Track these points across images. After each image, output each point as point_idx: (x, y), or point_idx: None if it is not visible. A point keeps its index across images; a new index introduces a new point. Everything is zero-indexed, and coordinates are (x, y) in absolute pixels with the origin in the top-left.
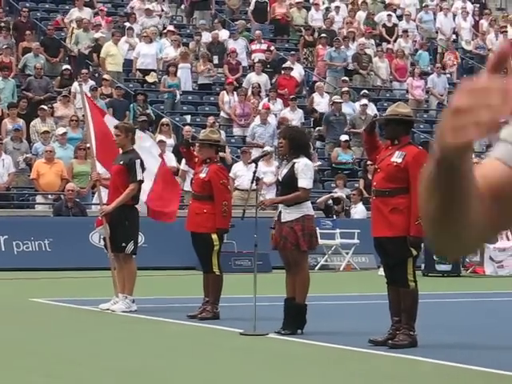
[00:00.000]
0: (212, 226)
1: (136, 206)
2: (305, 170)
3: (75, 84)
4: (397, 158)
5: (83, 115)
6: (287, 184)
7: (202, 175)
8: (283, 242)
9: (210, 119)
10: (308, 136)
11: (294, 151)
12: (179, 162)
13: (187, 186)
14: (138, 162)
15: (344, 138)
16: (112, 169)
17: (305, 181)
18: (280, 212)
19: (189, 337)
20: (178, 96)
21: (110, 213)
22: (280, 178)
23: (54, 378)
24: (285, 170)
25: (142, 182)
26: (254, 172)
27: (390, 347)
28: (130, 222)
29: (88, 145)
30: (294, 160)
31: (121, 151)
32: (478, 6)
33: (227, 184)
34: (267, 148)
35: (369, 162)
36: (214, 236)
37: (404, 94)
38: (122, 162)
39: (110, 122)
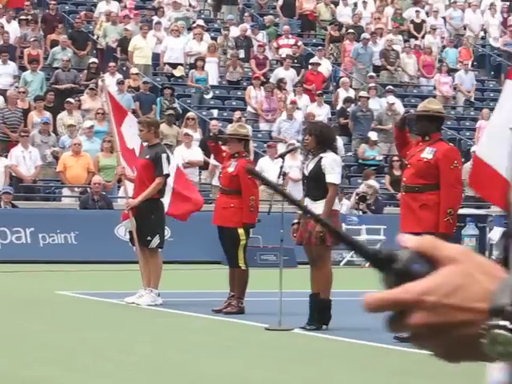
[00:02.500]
0: (239, 221)
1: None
2: (333, 164)
3: (99, 79)
4: (427, 154)
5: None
6: (314, 179)
7: (230, 169)
8: (308, 237)
9: (237, 114)
10: (334, 131)
11: (321, 146)
12: (206, 155)
13: (216, 181)
14: (164, 156)
15: (373, 136)
16: (138, 163)
17: (334, 176)
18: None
19: (213, 331)
20: (211, 94)
21: (136, 206)
22: (306, 173)
23: (77, 371)
24: (311, 165)
25: (168, 175)
26: (281, 167)
27: None
28: (155, 215)
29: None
30: (321, 155)
31: (146, 145)
32: (506, 3)
33: (255, 179)
34: (293, 142)
35: (395, 158)
36: (241, 231)
37: (431, 91)
38: (148, 157)
39: (133, 121)
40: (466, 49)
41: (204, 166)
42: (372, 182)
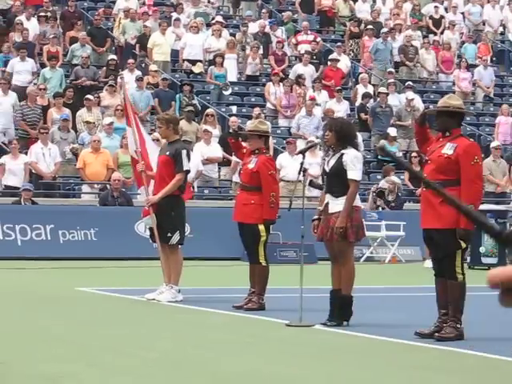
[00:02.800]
0: (259, 217)
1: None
2: (354, 161)
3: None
4: (448, 149)
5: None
6: (335, 175)
7: (251, 166)
8: (330, 233)
9: (256, 110)
10: (355, 127)
11: (342, 143)
12: (226, 152)
13: (236, 178)
14: (184, 152)
15: (392, 132)
16: (158, 160)
17: (355, 172)
18: (327, 203)
19: (234, 327)
20: (230, 91)
21: (157, 203)
22: (327, 169)
23: (98, 367)
24: (332, 161)
25: (188, 171)
26: (302, 163)
27: (437, 340)
28: (176, 212)
29: None
30: (343, 151)
31: (165, 142)
32: None
33: (275, 175)
34: (313, 139)
35: (414, 154)
36: (261, 227)
37: (450, 86)
38: (168, 153)
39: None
40: (485, 44)
41: (223, 163)
42: (394, 177)
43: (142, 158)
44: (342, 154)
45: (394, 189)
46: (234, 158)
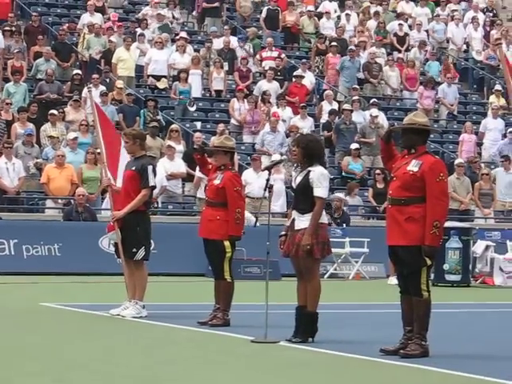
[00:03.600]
0: (225, 233)
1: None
2: (321, 178)
3: (85, 89)
4: (413, 166)
5: (93, 120)
6: (301, 192)
7: (217, 182)
8: (295, 250)
9: (220, 126)
10: (322, 144)
11: (308, 159)
12: (190, 168)
13: (200, 193)
14: (150, 167)
15: (354, 146)
16: (124, 174)
17: (321, 190)
18: (293, 219)
19: (199, 343)
20: (195, 107)
21: (122, 218)
22: (294, 186)
23: (63, 383)
24: (299, 178)
25: (154, 187)
26: (268, 179)
27: (402, 357)
28: (141, 227)
29: (98, 150)
30: (309, 168)
31: (131, 157)
32: (490, 15)
33: (241, 191)
34: (277, 155)
35: (378, 171)
36: (227, 243)
37: (414, 104)
38: (134, 168)
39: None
40: (447, 63)
41: (187, 178)
42: (340, 194)
43: (110, 171)
44: (309, 171)
45: (340, 205)
46: (197, 174)
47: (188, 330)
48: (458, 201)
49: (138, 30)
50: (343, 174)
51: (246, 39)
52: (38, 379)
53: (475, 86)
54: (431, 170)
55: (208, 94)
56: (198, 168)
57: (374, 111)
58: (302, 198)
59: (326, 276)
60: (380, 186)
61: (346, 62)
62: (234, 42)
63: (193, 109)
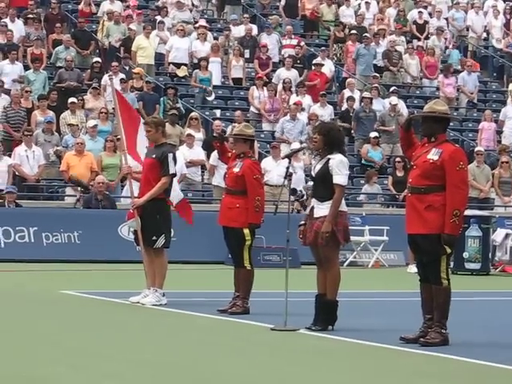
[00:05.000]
0: (244, 221)
1: (168, 199)
2: (340, 166)
3: (105, 77)
4: (433, 155)
5: (113, 108)
6: (321, 180)
7: (236, 170)
8: (314, 238)
9: (237, 114)
10: (343, 132)
11: (329, 147)
12: (208, 156)
13: (215, 181)
14: (170, 155)
15: (373, 134)
16: (144, 162)
17: (341, 177)
18: (312, 207)
19: (219, 331)
20: (213, 97)
21: (142, 206)
22: (313, 174)
23: (79, 369)
24: (319, 166)
25: (174, 175)
26: (287, 167)
27: (422, 345)
28: (161, 215)
29: (118, 137)
30: (329, 156)
31: (153, 145)
32: (510, 4)
33: (260, 179)
34: (297, 143)
35: (397, 159)
36: (246, 231)
37: (434, 92)
38: (154, 156)
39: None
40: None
41: (206, 166)
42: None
43: (133, 157)
44: (329, 159)
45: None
46: (210, 162)
47: (208, 318)
48: (477, 189)
49: (158, 18)
50: (363, 161)
51: (261, 28)
52: (56, 367)
53: (495, 74)
54: (451, 158)
55: (228, 82)
56: (212, 156)
57: (394, 99)
58: (321, 185)
59: (345, 264)
60: (400, 174)
61: (362, 49)
62: (254, 29)
63: (211, 98)
